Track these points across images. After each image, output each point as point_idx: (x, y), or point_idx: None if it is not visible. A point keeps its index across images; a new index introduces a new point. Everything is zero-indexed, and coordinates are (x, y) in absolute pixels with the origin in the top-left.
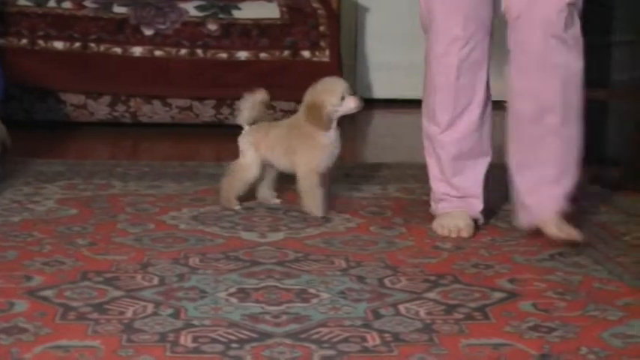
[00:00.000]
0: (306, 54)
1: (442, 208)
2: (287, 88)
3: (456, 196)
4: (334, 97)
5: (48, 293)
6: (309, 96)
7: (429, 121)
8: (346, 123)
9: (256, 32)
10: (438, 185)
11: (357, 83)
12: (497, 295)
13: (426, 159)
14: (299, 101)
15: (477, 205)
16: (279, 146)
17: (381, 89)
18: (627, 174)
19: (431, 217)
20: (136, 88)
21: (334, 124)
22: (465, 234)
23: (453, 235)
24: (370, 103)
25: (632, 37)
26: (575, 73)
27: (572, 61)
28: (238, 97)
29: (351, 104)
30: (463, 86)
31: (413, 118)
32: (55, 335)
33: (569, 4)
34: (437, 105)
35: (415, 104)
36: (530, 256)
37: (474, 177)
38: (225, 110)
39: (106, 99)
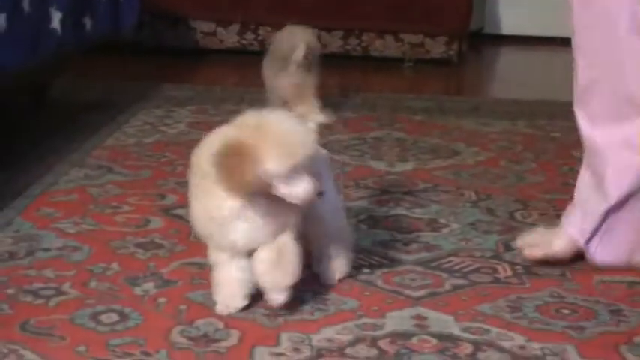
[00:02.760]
0: None
1: None
2: (415, 21)
3: None
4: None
5: (181, 212)
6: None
7: None
8: (474, 58)
9: None
10: None
11: (485, 18)
12: None
13: None
14: (426, 35)
15: None
16: None
17: (510, 25)
18: None
19: (562, 154)
20: (264, 16)
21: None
22: None
23: None
24: (499, 40)
25: None
26: None
27: None
28: (365, 29)
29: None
30: None
31: (542, 56)
32: (189, 252)
33: None
34: None
35: (545, 42)
36: None
37: None
38: (353, 41)
39: (235, 27)
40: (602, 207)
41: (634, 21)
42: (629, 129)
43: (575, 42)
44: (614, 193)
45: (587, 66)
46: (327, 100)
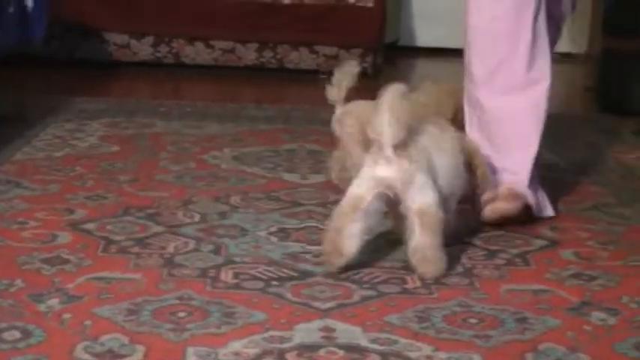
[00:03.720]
0: None
1: None
2: (330, 33)
3: None
4: None
5: (90, 226)
6: None
7: None
8: (389, 70)
9: None
10: None
11: (400, 30)
12: (539, 242)
13: None
14: (341, 47)
15: None
16: None
17: (424, 37)
18: None
19: None
20: (180, 29)
21: None
22: None
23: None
24: (413, 52)
25: None
26: None
27: None
28: (280, 42)
29: None
30: None
31: (455, 67)
32: (96, 267)
33: None
34: None
35: (458, 54)
36: (573, 206)
37: None
38: (268, 54)
39: (149, 39)
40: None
41: None
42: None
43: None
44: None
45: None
46: (244, 111)
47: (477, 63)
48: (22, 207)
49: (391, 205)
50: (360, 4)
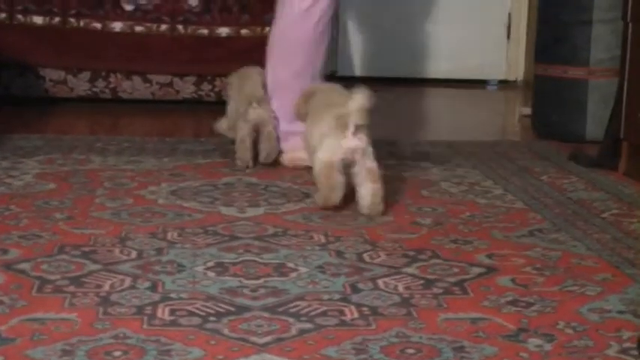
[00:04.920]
0: None
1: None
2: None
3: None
4: None
5: (25, 266)
6: None
7: None
8: None
9: (237, 8)
10: None
11: (338, 61)
12: (476, 270)
13: None
14: None
15: None
16: None
17: (362, 67)
18: (605, 152)
19: (411, 194)
20: (116, 63)
21: None
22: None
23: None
24: (351, 81)
25: (613, 15)
26: None
27: None
28: (219, 74)
29: None
30: None
31: (393, 96)
32: (31, 308)
33: None
34: None
35: (396, 82)
36: (510, 232)
37: None
38: (206, 86)
39: (86, 75)
40: None
41: None
42: None
43: None
44: None
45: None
46: (182, 145)
47: None
48: None
49: (346, 166)
50: None
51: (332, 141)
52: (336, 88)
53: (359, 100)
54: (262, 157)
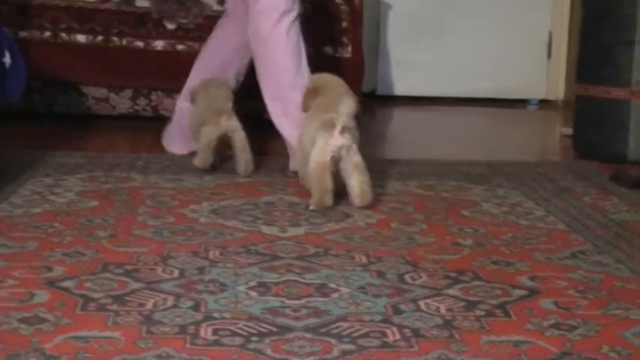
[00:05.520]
0: (328, 50)
1: None
2: None
3: None
4: None
5: (68, 284)
6: None
7: None
8: (367, 119)
9: None
10: None
11: (378, 80)
12: (518, 292)
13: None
14: None
15: None
16: None
17: (401, 86)
18: None
19: (452, 214)
20: (158, 81)
21: None
22: None
23: None
24: (391, 100)
25: None
26: None
27: None
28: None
29: None
30: None
31: (432, 115)
32: (74, 326)
33: None
34: None
35: (435, 101)
36: (552, 254)
37: None
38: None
39: (128, 92)
40: None
41: None
42: None
43: None
44: None
45: None
46: (223, 162)
47: None
48: None
49: (334, 162)
50: (338, 54)
51: (321, 142)
52: (334, 87)
53: (349, 104)
54: (242, 169)
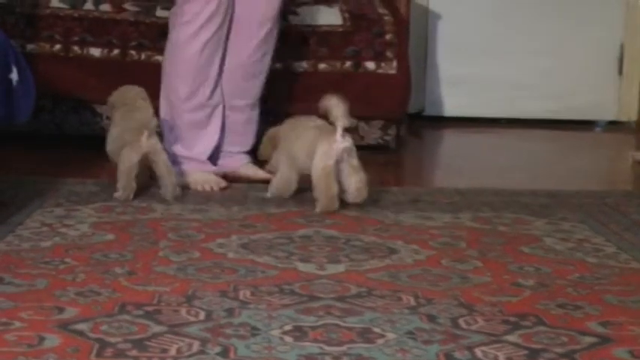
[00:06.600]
0: (370, 65)
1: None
2: (348, 102)
3: None
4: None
5: (82, 327)
6: None
7: None
8: (414, 143)
9: (315, 40)
10: None
11: (425, 99)
12: (588, 339)
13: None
14: (360, 118)
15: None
16: None
17: (452, 106)
18: None
19: (510, 250)
20: None
21: None
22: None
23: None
24: (440, 122)
25: None
26: None
27: None
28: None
29: None
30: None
31: (487, 139)
32: None
33: None
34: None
35: (489, 123)
36: (625, 297)
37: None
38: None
39: None
40: None
41: None
42: None
43: None
44: None
45: None
46: (254, 193)
47: None
48: (4, 306)
49: (335, 163)
50: (381, 70)
51: (324, 147)
52: (298, 124)
53: (339, 105)
54: (169, 194)
